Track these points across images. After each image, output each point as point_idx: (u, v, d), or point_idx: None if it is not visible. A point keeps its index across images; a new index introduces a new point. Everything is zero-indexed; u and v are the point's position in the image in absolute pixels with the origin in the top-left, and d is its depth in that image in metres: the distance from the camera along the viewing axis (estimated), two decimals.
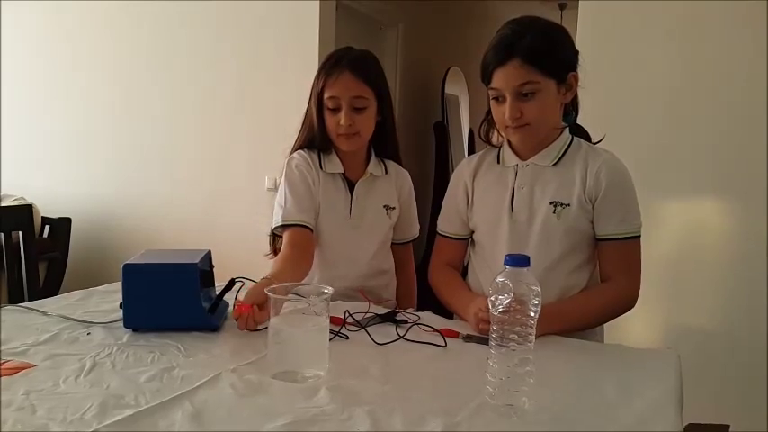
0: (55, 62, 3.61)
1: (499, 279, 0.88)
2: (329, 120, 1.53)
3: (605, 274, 1.38)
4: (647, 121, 2.34)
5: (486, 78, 1.34)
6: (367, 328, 1.23)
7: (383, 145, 1.64)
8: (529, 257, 0.89)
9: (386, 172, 1.65)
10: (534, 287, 0.88)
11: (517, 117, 1.31)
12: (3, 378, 0.93)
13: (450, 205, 1.52)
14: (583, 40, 2.37)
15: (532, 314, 0.87)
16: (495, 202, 1.42)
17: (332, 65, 1.52)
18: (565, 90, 1.34)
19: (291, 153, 1.62)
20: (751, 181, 2.20)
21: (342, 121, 1.50)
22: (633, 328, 2.38)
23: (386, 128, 1.61)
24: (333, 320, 1.10)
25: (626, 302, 1.36)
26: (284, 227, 1.52)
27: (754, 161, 2.19)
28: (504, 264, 0.89)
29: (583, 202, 1.34)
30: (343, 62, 1.51)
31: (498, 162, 1.45)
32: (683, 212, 2.34)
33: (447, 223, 1.52)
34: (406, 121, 4.08)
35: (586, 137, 1.47)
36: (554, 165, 1.37)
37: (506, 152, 1.44)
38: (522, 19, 1.34)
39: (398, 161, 1.69)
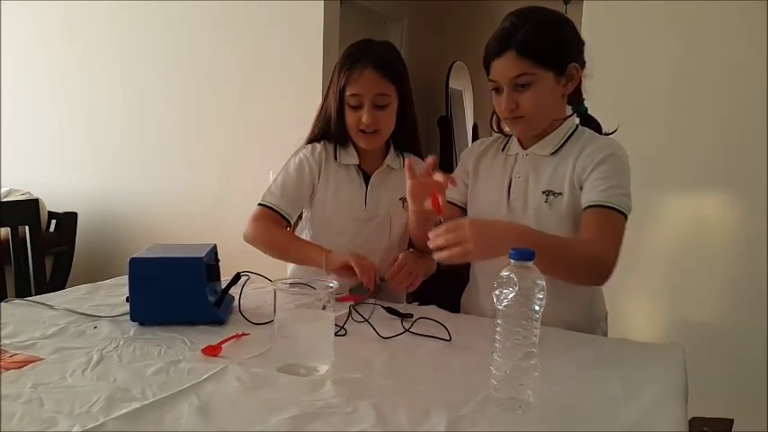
0: (62, 58, 3.61)
1: (504, 273, 0.88)
2: (350, 116, 1.51)
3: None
4: (651, 117, 2.33)
5: (486, 70, 1.34)
6: (372, 322, 1.24)
7: (403, 139, 1.62)
8: (534, 251, 0.89)
9: (403, 165, 1.62)
10: (539, 281, 0.88)
11: (513, 108, 1.31)
12: (11, 371, 0.94)
13: (456, 174, 1.50)
14: (586, 36, 2.35)
15: (537, 308, 0.87)
16: (495, 189, 1.42)
17: (354, 61, 1.49)
18: (565, 81, 1.33)
19: (306, 143, 1.61)
20: (753, 175, 2.19)
21: (364, 119, 1.49)
22: (637, 323, 2.38)
23: (406, 122, 1.58)
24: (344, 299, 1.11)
25: (597, 265, 1.24)
26: (261, 205, 1.56)
27: (756, 156, 2.18)
28: (510, 257, 0.89)
29: (574, 189, 1.32)
30: (365, 58, 1.48)
31: (503, 150, 1.46)
32: (686, 207, 2.33)
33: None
34: None
35: (597, 128, 1.45)
36: (553, 154, 1.37)
37: (513, 141, 1.44)
38: (523, 10, 1.33)
39: (419, 155, 1.65)
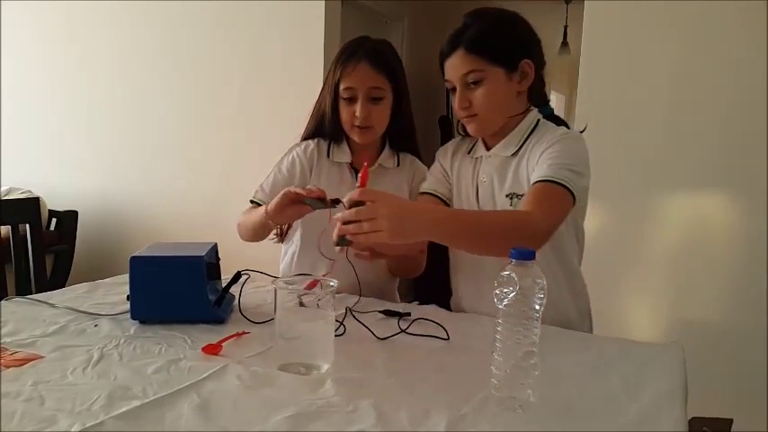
0: (62, 58, 3.62)
1: (504, 272, 0.88)
2: (344, 110, 1.51)
3: None
4: (651, 117, 2.33)
5: (442, 71, 1.35)
6: (371, 322, 1.23)
7: (399, 137, 1.61)
8: (534, 251, 0.89)
9: (398, 164, 1.61)
10: (539, 280, 0.87)
11: (466, 107, 1.32)
12: (11, 369, 0.94)
13: (435, 169, 1.50)
14: (588, 36, 2.36)
15: (537, 307, 0.87)
16: (466, 195, 1.42)
17: (349, 55, 1.49)
18: (519, 78, 1.32)
19: (301, 140, 1.61)
20: (753, 175, 2.20)
21: (358, 113, 1.48)
22: (638, 322, 2.38)
23: (402, 119, 1.57)
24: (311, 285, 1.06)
25: (521, 232, 1.14)
26: (252, 202, 1.57)
27: (756, 156, 2.18)
28: (510, 257, 0.89)
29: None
30: (361, 52, 1.48)
31: (469, 153, 1.45)
32: (686, 207, 2.33)
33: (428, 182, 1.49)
34: None
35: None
36: (514, 154, 1.35)
37: (479, 143, 1.43)
38: (475, 10, 1.34)
39: (417, 155, 1.64)
